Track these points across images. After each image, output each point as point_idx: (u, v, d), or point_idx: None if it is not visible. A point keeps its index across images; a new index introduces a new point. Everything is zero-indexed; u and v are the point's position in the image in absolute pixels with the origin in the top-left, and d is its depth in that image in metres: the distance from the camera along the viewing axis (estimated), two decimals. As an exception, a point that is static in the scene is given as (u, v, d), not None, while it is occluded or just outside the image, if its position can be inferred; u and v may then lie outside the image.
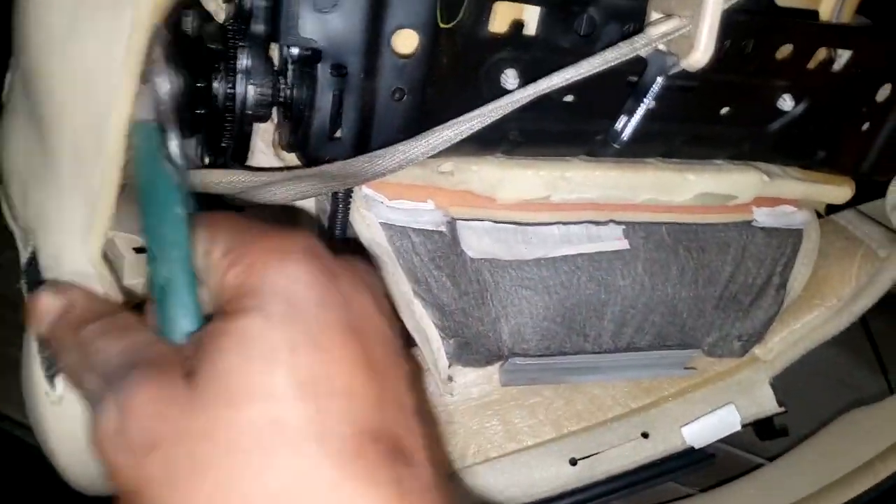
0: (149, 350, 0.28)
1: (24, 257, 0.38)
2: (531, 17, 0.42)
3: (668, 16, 0.37)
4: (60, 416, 0.42)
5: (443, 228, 0.50)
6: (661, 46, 0.37)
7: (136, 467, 0.26)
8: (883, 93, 0.54)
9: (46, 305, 0.32)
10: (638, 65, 0.41)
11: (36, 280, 0.36)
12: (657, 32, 0.36)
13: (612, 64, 0.37)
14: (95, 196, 0.32)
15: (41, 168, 0.36)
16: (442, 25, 0.39)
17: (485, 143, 0.47)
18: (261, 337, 0.26)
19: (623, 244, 0.53)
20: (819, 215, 0.65)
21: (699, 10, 0.34)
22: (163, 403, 0.26)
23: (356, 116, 0.40)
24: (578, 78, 0.37)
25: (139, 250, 0.58)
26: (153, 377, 0.26)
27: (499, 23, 0.41)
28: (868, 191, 0.64)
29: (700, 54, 0.34)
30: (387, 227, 0.48)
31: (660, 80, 0.38)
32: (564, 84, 0.38)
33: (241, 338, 0.26)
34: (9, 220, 0.41)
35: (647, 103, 0.38)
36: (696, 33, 0.34)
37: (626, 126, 0.39)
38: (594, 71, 0.37)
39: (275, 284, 0.27)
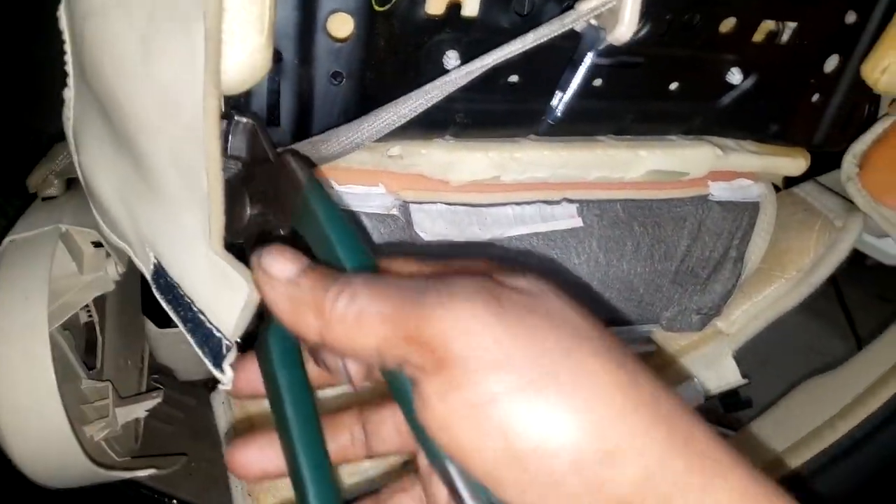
0: None
1: (146, 266, 0.41)
2: (470, -1, 0.42)
3: (598, -8, 0.37)
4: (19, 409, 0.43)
5: (395, 212, 0.50)
6: (593, 21, 0.37)
7: None
8: (831, 63, 0.54)
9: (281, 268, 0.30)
10: (575, 41, 0.41)
11: (169, 286, 0.38)
12: (586, 7, 0.36)
13: (544, 40, 0.37)
14: (206, 197, 0.33)
15: (142, 187, 0.38)
16: (377, 8, 0.39)
17: (432, 125, 0.47)
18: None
19: (577, 222, 0.54)
20: (778, 188, 0.65)
21: (623, -15, 0.34)
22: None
23: (294, 102, 0.40)
24: (513, 55, 0.37)
25: (97, 244, 0.59)
26: None
27: (437, 4, 0.41)
28: (826, 162, 0.65)
29: (624, 28, 0.35)
30: (338, 212, 0.48)
31: (590, 54, 0.38)
32: (499, 62, 0.38)
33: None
34: (109, 238, 0.44)
35: (580, 78, 0.39)
36: (621, 7, 0.34)
37: (561, 101, 0.39)
38: (527, 47, 0.37)
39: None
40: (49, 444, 0.47)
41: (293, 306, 0.29)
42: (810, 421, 0.50)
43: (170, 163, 0.35)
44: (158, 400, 0.68)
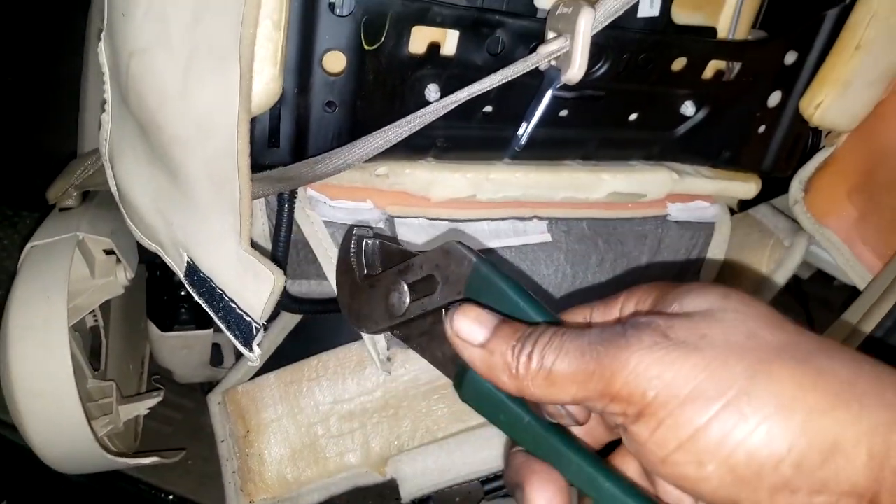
0: None
1: (180, 265, 0.47)
2: (450, 39, 0.48)
3: (557, 36, 0.43)
4: (37, 399, 0.49)
5: (381, 225, 0.56)
6: (553, 62, 0.43)
7: None
8: (774, 99, 0.60)
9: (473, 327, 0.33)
10: (539, 76, 0.47)
11: (202, 280, 0.45)
12: (545, 51, 0.42)
13: (511, 78, 0.43)
14: (237, 204, 0.40)
15: (177, 197, 0.45)
16: (367, 47, 0.45)
17: (415, 148, 0.53)
18: None
19: (546, 237, 0.59)
20: (734, 210, 0.71)
21: (573, 33, 0.40)
22: None
23: (292, 126, 0.46)
24: (483, 91, 0.43)
25: (108, 252, 0.64)
26: None
27: (419, 44, 0.47)
28: (777, 186, 0.70)
29: (576, 70, 0.40)
30: (329, 224, 0.54)
31: (550, 91, 0.44)
32: (473, 95, 0.44)
33: None
34: (143, 240, 0.51)
35: (541, 111, 0.44)
36: (572, 52, 0.40)
37: (525, 132, 0.45)
38: (496, 84, 0.43)
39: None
40: (64, 429, 0.52)
41: (488, 369, 0.32)
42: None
43: (204, 175, 0.41)
44: (159, 399, 0.72)
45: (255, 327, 0.41)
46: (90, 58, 0.88)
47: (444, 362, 0.36)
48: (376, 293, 0.39)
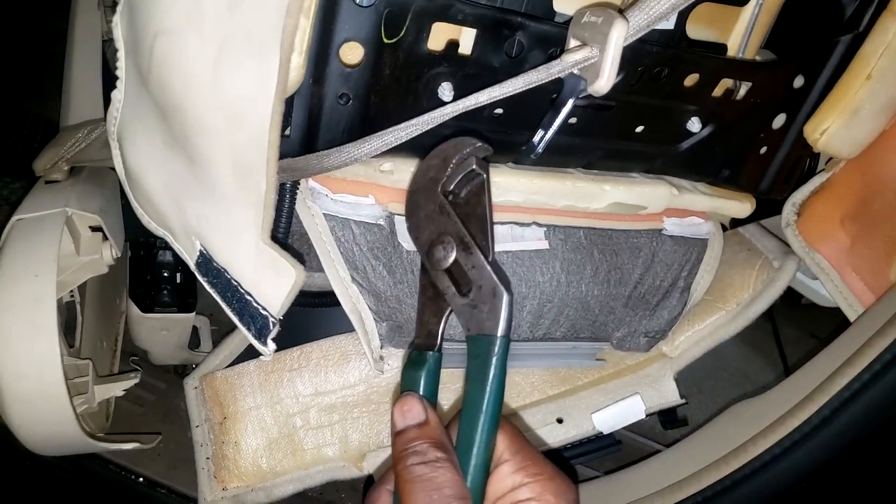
0: None
1: (191, 253, 0.47)
2: (467, 38, 0.47)
3: (583, 45, 0.42)
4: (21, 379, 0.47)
5: (382, 222, 0.55)
6: (576, 71, 0.43)
7: None
8: (779, 121, 0.60)
9: (415, 413, 0.43)
10: (557, 83, 0.46)
11: (216, 270, 0.44)
12: (571, 60, 0.41)
13: (532, 85, 0.42)
14: (261, 197, 0.40)
15: (193, 184, 0.44)
16: (385, 41, 0.44)
17: (423, 147, 0.52)
18: None
19: (543, 244, 0.59)
20: (725, 228, 0.72)
21: (604, 44, 0.40)
22: None
23: (304, 117, 0.45)
24: (503, 96, 0.43)
25: (95, 229, 0.62)
26: None
27: (437, 41, 0.46)
28: (770, 208, 0.71)
29: (603, 82, 0.40)
30: (329, 217, 0.53)
31: (571, 101, 0.43)
32: (491, 101, 0.43)
33: None
34: (150, 225, 0.51)
35: (560, 120, 0.44)
36: (602, 64, 0.40)
37: (542, 139, 0.45)
38: (517, 91, 0.42)
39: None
40: (47, 412, 0.50)
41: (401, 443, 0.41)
42: (737, 438, 0.56)
43: (229, 165, 0.39)
44: (136, 381, 0.71)
45: (273, 322, 0.40)
46: (77, 25, 0.85)
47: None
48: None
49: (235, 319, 0.43)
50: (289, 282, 0.39)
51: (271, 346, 0.41)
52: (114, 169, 0.51)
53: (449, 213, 0.43)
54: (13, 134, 1.04)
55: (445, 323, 0.46)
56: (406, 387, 0.44)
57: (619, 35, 0.39)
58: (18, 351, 0.49)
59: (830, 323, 0.73)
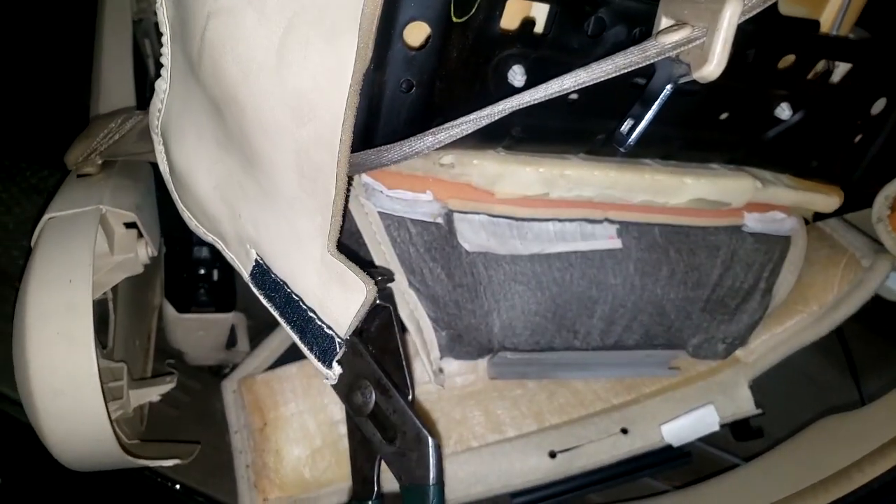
0: None
1: (245, 263, 0.42)
2: (541, 16, 0.42)
3: (680, 24, 0.37)
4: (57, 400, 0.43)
5: (440, 220, 0.50)
6: (673, 54, 0.37)
7: None
8: (878, 106, 0.54)
9: None
10: (646, 67, 0.41)
11: (274, 283, 0.40)
12: (670, 41, 0.36)
13: (625, 70, 0.37)
14: (329, 202, 0.35)
15: (251, 186, 0.39)
16: (455, 20, 0.39)
17: (487, 137, 0.47)
18: None
19: (616, 243, 0.54)
20: (805, 222, 0.66)
21: (715, 23, 0.34)
22: None
23: (364, 106, 0.40)
24: (591, 82, 0.37)
25: (129, 225, 0.58)
26: None
27: (509, 19, 0.41)
28: (858, 201, 0.65)
29: (714, 67, 0.34)
30: (385, 216, 0.48)
31: (669, 87, 0.38)
32: (576, 87, 0.38)
33: None
34: (199, 230, 0.46)
35: (656, 109, 0.39)
36: (711, 45, 0.34)
37: (633, 131, 0.39)
38: (607, 76, 0.37)
39: None
40: (84, 429, 0.46)
41: None
42: (833, 460, 0.51)
43: (292, 166, 0.35)
44: (172, 385, 0.67)
45: (339, 343, 0.36)
46: (106, 5, 0.81)
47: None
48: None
49: (296, 338, 0.38)
50: (359, 298, 0.34)
51: (336, 369, 0.36)
52: (150, 162, 0.47)
53: (362, 354, 0.39)
54: (40, 120, 1.01)
55: (380, 467, 0.44)
56: None
57: (735, 12, 0.34)
58: (53, 364, 0.45)
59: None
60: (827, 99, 0.53)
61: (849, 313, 0.63)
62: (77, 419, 0.46)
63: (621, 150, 0.40)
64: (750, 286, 0.60)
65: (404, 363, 0.42)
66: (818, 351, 1.06)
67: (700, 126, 0.52)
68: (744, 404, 0.65)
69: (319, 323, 0.37)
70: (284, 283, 0.38)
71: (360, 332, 0.39)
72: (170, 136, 0.42)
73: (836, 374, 1.02)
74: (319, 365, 0.37)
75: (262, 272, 0.40)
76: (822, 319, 0.65)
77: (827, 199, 0.60)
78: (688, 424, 0.64)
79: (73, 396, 0.45)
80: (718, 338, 0.60)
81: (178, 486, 0.70)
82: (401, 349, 0.42)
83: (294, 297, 0.38)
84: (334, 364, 0.36)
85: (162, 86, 0.41)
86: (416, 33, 0.39)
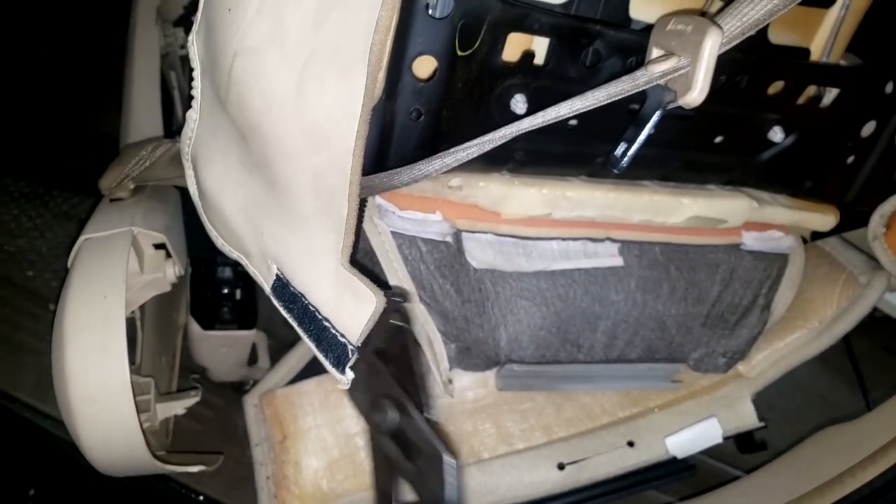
0: None
1: (267, 277, 0.45)
2: (541, 48, 0.45)
3: (669, 54, 0.40)
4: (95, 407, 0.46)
5: (449, 239, 0.53)
6: (662, 82, 0.40)
7: None
8: (868, 129, 0.57)
9: None
10: (639, 94, 0.44)
11: (293, 295, 0.43)
12: (658, 70, 0.39)
13: (617, 98, 0.40)
14: (342, 221, 0.38)
15: (272, 207, 0.43)
16: (460, 53, 0.42)
17: (492, 161, 0.50)
18: None
19: (618, 261, 0.57)
20: (804, 241, 0.68)
21: (697, 53, 0.37)
22: None
23: (376, 134, 0.43)
24: (586, 109, 0.40)
25: (158, 246, 0.62)
26: None
27: (511, 52, 0.44)
28: (852, 220, 0.67)
29: (696, 94, 0.37)
30: (397, 235, 0.51)
31: (658, 113, 0.41)
32: (572, 114, 0.41)
33: None
34: (224, 248, 0.49)
35: (646, 133, 0.42)
36: (694, 74, 0.37)
37: (626, 153, 0.42)
38: (599, 103, 0.40)
39: None
40: (116, 435, 0.49)
41: None
42: (829, 468, 0.52)
43: (309, 188, 0.38)
44: (197, 399, 0.70)
45: (351, 350, 0.39)
46: (136, 41, 0.85)
47: None
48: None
49: (313, 346, 0.41)
50: (369, 308, 0.37)
51: (349, 374, 0.39)
52: (178, 186, 0.50)
53: (380, 372, 0.41)
54: (70, 149, 1.06)
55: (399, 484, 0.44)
56: None
57: (714, 44, 0.37)
58: (89, 374, 0.48)
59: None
60: (818, 122, 0.55)
61: (847, 328, 0.65)
62: (110, 424, 0.49)
63: (615, 171, 0.42)
64: (749, 302, 0.62)
65: (422, 382, 0.43)
66: (827, 367, 1.07)
67: (696, 149, 0.54)
68: (747, 418, 0.67)
69: (334, 332, 0.40)
70: (302, 295, 0.42)
71: (380, 353, 0.41)
72: (199, 162, 0.46)
73: (845, 389, 1.04)
74: (334, 371, 0.40)
75: (282, 285, 0.43)
76: (822, 334, 0.66)
77: (823, 219, 0.62)
78: (692, 437, 0.65)
79: (107, 403, 0.48)
80: (719, 352, 0.62)
81: (201, 498, 0.73)
82: (420, 369, 0.44)
83: (311, 307, 0.41)
84: (347, 370, 0.39)
85: (193, 116, 0.45)
86: (425, 66, 0.42)
